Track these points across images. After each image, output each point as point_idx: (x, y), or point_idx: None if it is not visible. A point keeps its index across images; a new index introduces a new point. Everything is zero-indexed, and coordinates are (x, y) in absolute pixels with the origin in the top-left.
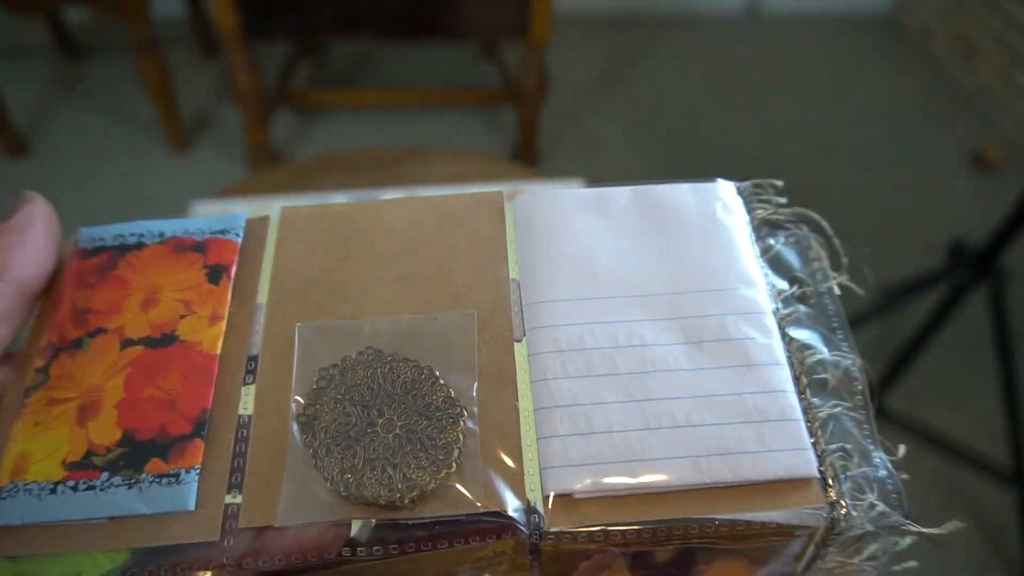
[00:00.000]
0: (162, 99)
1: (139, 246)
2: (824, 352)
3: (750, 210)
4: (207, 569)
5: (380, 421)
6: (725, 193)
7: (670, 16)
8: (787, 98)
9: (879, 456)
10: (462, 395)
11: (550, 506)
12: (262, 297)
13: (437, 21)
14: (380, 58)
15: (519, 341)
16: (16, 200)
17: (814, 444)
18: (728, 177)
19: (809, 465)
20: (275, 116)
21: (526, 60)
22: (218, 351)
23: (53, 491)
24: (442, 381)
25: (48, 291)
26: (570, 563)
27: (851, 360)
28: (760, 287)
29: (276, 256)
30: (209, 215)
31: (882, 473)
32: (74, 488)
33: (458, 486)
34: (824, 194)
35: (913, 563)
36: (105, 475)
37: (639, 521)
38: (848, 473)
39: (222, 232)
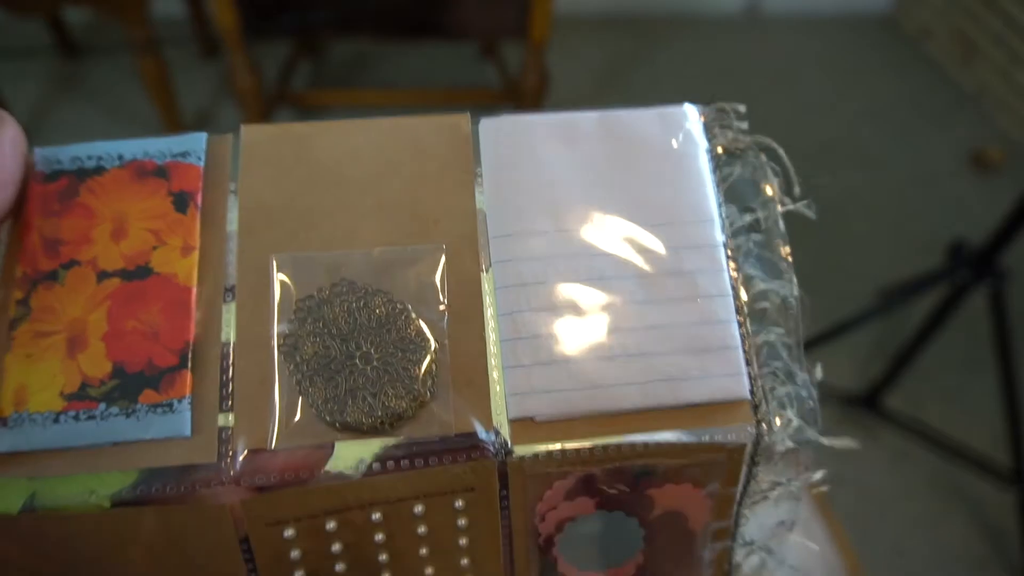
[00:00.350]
0: (162, 99)
1: (98, 171)
2: (766, 282)
3: (711, 137)
4: (208, 486)
5: (358, 353)
6: (690, 120)
7: (670, 16)
8: (787, 98)
9: (803, 377)
10: (433, 327)
11: (513, 429)
12: (232, 224)
13: (437, 21)
14: (380, 58)
15: (485, 272)
16: None
17: (748, 369)
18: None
19: (743, 388)
20: (275, 116)
21: (526, 60)
22: (194, 284)
23: (56, 420)
24: (414, 315)
25: (15, 215)
26: (536, 492)
27: (789, 289)
28: (714, 220)
29: (243, 181)
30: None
31: (803, 393)
32: (76, 418)
33: (432, 411)
34: (824, 193)
35: (849, 443)
36: (103, 406)
37: (592, 441)
38: (775, 394)
39: (183, 155)
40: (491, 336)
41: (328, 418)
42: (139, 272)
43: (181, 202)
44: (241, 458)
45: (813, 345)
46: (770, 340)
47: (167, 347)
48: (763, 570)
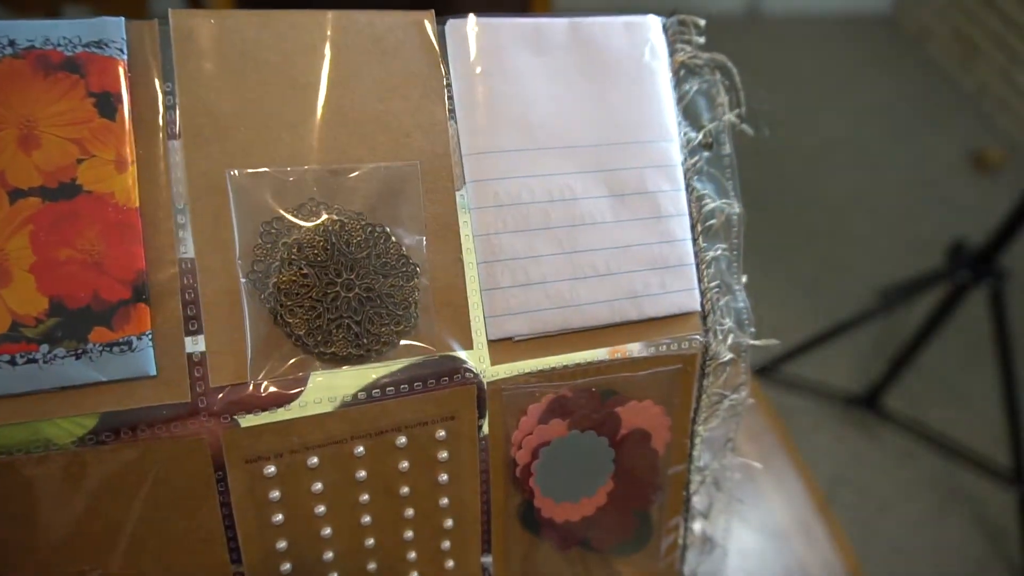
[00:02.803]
0: None
1: None
2: (716, 200)
3: (672, 51)
4: (182, 423)
5: (339, 281)
6: (653, 33)
7: (664, 11)
8: (787, 98)
9: (738, 290)
10: (412, 251)
11: (492, 349)
12: (170, 130)
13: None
14: None
15: (459, 191)
16: None
17: (700, 283)
18: None
19: (695, 303)
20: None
21: None
22: (137, 204)
23: None
24: (394, 239)
25: None
26: (512, 421)
27: (734, 208)
28: (675, 139)
29: (181, 81)
30: None
31: (740, 304)
32: (11, 362)
33: (415, 336)
34: (824, 194)
35: (774, 341)
36: (45, 347)
37: (566, 358)
38: (717, 305)
39: (98, 45)
40: (467, 257)
41: (312, 348)
42: (64, 190)
43: (106, 105)
44: (220, 395)
45: (813, 345)
46: (716, 256)
47: (115, 278)
48: (711, 509)
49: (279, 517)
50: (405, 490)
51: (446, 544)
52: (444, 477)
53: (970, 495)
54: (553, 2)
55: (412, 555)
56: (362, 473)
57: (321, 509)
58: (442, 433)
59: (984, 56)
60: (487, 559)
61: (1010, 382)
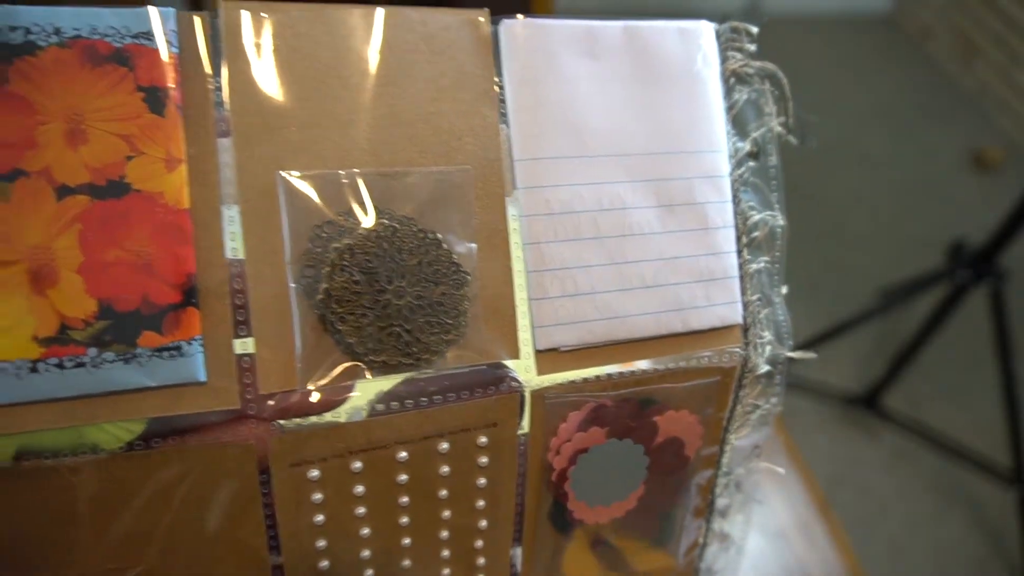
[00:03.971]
0: None
1: (30, 49)
2: (759, 212)
3: (723, 59)
4: (230, 429)
5: (390, 288)
6: (706, 39)
7: (669, 16)
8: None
9: (780, 303)
10: (463, 259)
11: (539, 360)
12: (219, 127)
13: None
14: None
15: (508, 196)
16: None
17: (742, 296)
18: None
19: (738, 315)
20: None
21: None
22: (187, 205)
23: (34, 369)
24: (446, 246)
25: None
26: (551, 426)
27: (778, 220)
28: (723, 149)
29: (232, 76)
30: None
31: (780, 317)
32: (59, 366)
33: (463, 344)
34: (824, 194)
35: (812, 355)
36: (93, 351)
37: (610, 368)
38: (757, 317)
39: (147, 36)
40: (516, 266)
41: (362, 356)
42: (113, 188)
43: (155, 100)
44: (270, 403)
45: (813, 345)
46: (759, 268)
47: (166, 281)
48: (730, 509)
49: (320, 518)
50: (444, 493)
51: (479, 543)
52: (482, 481)
53: (970, 495)
54: (553, 6)
55: (446, 553)
56: (403, 477)
57: (361, 511)
58: (484, 439)
59: (984, 56)
60: (516, 555)
61: (1010, 382)
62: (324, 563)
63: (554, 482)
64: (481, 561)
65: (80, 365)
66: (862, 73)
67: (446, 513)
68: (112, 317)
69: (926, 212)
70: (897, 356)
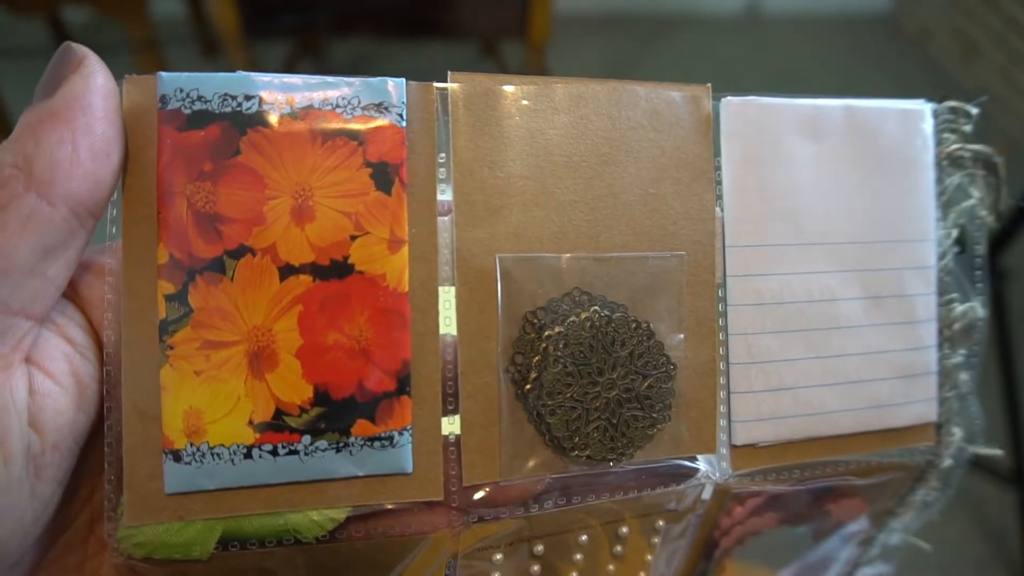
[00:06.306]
0: None
1: (263, 119)
2: (962, 304)
3: (938, 141)
4: (430, 519)
5: (601, 380)
6: (926, 122)
7: (670, 16)
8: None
9: (974, 398)
10: (672, 349)
11: (735, 455)
12: (440, 206)
13: (437, 20)
14: (380, 58)
15: (719, 283)
16: (58, 62)
17: (939, 391)
18: None
19: (933, 413)
20: None
21: (526, 60)
22: (407, 288)
23: (248, 455)
24: (657, 337)
25: (134, 169)
26: (727, 508)
27: (978, 312)
28: (933, 238)
29: (456, 151)
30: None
31: (972, 412)
32: (273, 452)
33: (663, 437)
34: None
35: (999, 452)
36: (307, 439)
37: (802, 464)
38: (953, 416)
39: (378, 109)
40: (720, 354)
41: (568, 452)
42: (336, 269)
43: (383, 176)
44: (473, 495)
45: None
46: (957, 363)
47: (381, 367)
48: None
49: None
50: (611, 568)
51: None
52: (649, 557)
53: (970, 495)
54: (553, 6)
55: None
56: (578, 556)
57: None
58: (661, 523)
59: (984, 56)
60: None
61: (1010, 382)
62: None
63: (716, 558)
64: None
65: (293, 453)
66: (862, 73)
67: None
68: (327, 404)
69: None
70: None
